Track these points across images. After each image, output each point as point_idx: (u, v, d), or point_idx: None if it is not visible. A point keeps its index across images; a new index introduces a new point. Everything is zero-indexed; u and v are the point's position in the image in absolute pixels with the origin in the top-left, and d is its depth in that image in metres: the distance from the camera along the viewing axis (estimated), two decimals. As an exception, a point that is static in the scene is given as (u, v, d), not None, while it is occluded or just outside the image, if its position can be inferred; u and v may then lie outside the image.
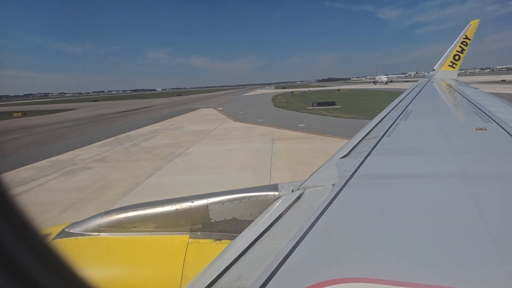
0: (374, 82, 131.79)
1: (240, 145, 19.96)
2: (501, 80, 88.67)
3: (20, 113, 62.62)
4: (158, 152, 18.86)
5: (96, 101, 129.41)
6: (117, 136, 25.97)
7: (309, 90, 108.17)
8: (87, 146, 22.14)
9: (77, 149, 21.16)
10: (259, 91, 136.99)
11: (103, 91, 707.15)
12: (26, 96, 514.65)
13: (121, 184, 13.11)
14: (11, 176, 14.58)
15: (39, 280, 0.88)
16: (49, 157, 18.81)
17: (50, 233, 2.70)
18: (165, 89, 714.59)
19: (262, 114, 36.30)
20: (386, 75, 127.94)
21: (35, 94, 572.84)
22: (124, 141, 23.78)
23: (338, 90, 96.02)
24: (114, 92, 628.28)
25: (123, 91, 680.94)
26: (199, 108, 52.15)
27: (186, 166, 15.70)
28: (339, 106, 41.33)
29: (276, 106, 48.99)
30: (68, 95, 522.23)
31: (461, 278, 1.18)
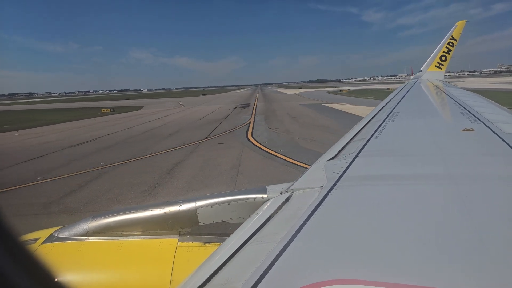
0: None
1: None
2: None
3: (109, 109, 61.32)
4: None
5: (128, 99, 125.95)
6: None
7: (349, 89, 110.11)
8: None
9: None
10: (293, 90, 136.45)
11: (88, 91, 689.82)
12: (11, 95, 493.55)
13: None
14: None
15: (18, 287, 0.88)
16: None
17: (39, 238, 2.69)
18: (151, 90, 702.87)
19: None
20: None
21: (20, 93, 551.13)
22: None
23: (388, 89, 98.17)
24: (101, 92, 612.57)
25: (109, 91, 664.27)
26: (322, 104, 50.13)
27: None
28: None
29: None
30: (54, 94, 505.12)
31: (451, 279, 1.19)
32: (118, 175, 14.34)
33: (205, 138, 22.58)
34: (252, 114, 38.51)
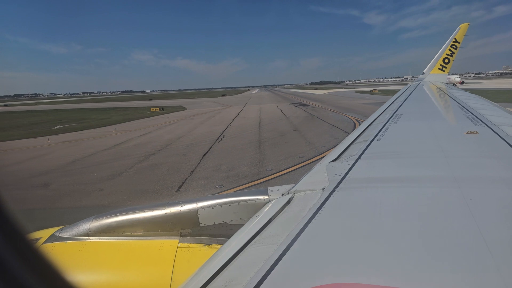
0: None
1: None
2: None
3: (158, 108, 62.27)
4: None
5: (151, 99, 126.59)
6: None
7: (375, 90, 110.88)
8: None
9: None
10: (313, 91, 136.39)
11: (92, 92, 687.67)
12: (17, 96, 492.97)
13: None
14: None
15: (28, 285, 0.89)
16: None
17: (41, 237, 2.72)
18: (154, 91, 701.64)
19: None
20: (458, 74, 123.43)
21: (26, 94, 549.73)
22: None
23: None
24: (105, 93, 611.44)
25: (113, 92, 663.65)
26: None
27: None
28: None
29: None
30: (59, 95, 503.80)
31: (455, 282, 1.20)
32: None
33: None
34: (338, 113, 38.60)
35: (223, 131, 27.64)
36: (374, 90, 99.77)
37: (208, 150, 19.56)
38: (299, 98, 78.49)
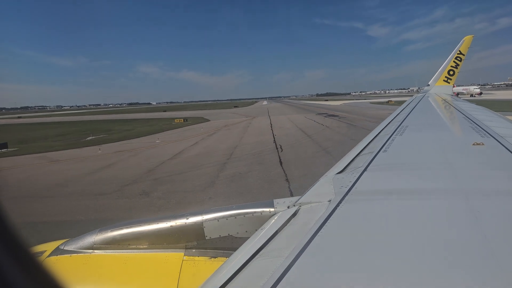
0: (457, 94, 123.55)
1: None
2: None
3: (182, 119, 62.65)
4: None
5: (165, 111, 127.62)
6: None
7: (391, 101, 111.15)
8: None
9: None
10: (324, 102, 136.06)
11: (99, 104, 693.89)
12: (24, 108, 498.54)
13: None
14: None
15: None
16: None
17: (45, 250, 2.70)
18: (159, 103, 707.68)
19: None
20: (478, 86, 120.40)
21: (32, 107, 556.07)
22: None
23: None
24: (111, 105, 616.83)
25: (120, 104, 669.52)
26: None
27: None
28: None
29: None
30: (66, 108, 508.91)
31: None
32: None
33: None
34: (378, 123, 38.25)
35: (274, 141, 27.52)
36: (390, 101, 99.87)
37: (280, 159, 19.35)
38: (319, 109, 78.57)
